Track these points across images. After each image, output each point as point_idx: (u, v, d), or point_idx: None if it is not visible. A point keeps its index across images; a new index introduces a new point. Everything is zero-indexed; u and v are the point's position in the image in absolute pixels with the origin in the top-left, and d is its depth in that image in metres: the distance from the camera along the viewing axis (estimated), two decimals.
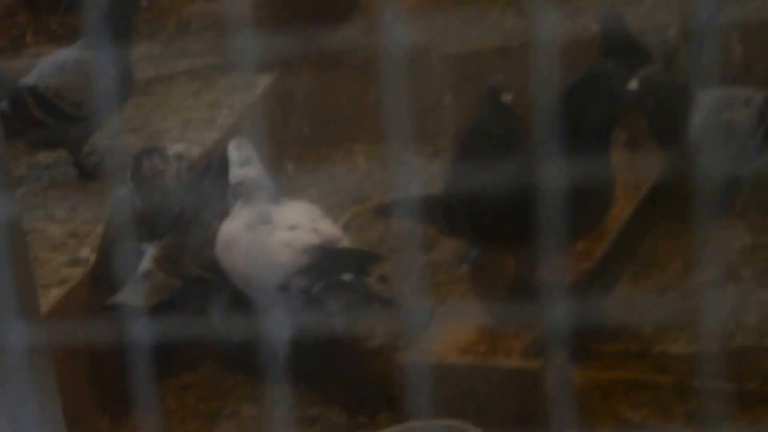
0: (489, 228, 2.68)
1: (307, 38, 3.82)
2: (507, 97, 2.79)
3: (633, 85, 2.74)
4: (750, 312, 2.76)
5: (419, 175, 3.65)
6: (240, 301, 2.66)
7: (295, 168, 3.74)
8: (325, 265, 2.55)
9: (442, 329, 2.71)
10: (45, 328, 1.59)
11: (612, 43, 3.19)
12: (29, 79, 3.23)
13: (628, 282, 2.93)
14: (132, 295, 2.63)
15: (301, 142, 3.79)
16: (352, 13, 3.88)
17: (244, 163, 2.68)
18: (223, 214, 2.70)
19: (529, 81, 2.52)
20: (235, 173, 2.68)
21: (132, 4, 3.28)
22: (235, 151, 2.70)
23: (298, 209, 2.66)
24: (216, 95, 3.65)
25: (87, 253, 2.84)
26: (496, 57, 3.66)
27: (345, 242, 2.67)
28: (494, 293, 2.78)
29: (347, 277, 2.59)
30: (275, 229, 2.58)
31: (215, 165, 2.86)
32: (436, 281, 3.04)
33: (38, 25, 4.23)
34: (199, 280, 2.70)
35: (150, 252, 2.71)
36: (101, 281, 2.76)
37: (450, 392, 2.57)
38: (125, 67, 3.20)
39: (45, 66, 3.27)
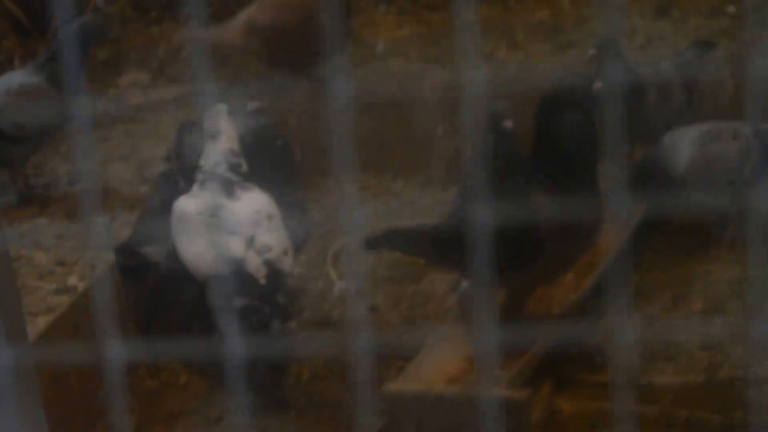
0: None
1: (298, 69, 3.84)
2: (508, 124, 2.81)
3: (597, 85, 2.77)
4: (736, 344, 2.77)
5: (409, 205, 3.65)
6: None
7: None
8: (234, 283, 2.53)
9: (430, 358, 2.71)
10: (32, 352, 1.59)
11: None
12: None
13: (617, 313, 2.93)
14: None
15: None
16: (342, 44, 3.90)
17: (214, 135, 2.61)
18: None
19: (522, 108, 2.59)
20: (204, 149, 2.63)
21: (97, 34, 3.35)
22: (208, 120, 2.63)
23: (246, 209, 2.60)
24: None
25: (75, 281, 2.83)
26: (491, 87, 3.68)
27: (277, 258, 2.62)
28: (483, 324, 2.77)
29: (243, 301, 2.55)
30: (216, 227, 2.56)
31: None
32: (425, 312, 3.05)
33: (25, 49, 4.24)
34: None
35: None
36: None
37: (437, 421, 2.57)
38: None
39: None
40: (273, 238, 2.60)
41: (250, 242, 2.57)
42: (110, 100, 3.98)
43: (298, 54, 3.54)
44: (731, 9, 4.09)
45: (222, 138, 2.61)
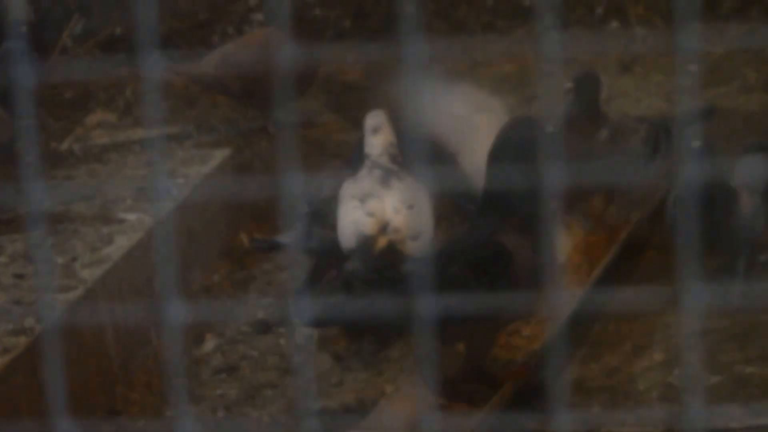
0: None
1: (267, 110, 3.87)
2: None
3: (549, 128, 2.91)
4: (696, 396, 2.80)
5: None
6: None
7: (249, 239, 3.74)
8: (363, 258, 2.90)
9: (391, 407, 2.71)
10: None
11: (578, 106, 3.30)
12: None
13: (578, 364, 2.96)
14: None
15: (258, 215, 3.81)
16: (311, 87, 3.94)
17: (375, 130, 3.05)
18: None
19: None
20: (367, 141, 3.06)
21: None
22: (369, 120, 3.06)
23: (393, 198, 2.98)
24: (172, 165, 3.66)
25: (32, 323, 2.80)
26: None
27: (401, 240, 2.96)
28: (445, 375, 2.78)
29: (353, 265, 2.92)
30: (359, 207, 2.97)
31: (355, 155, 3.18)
32: (388, 356, 3.05)
33: None
34: None
35: None
36: None
37: None
38: None
39: None
40: (406, 223, 2.96)
41: (384, 228, 2.96)
42: (76, 140, 3.98)
43: (268, 93, 3.67)
44: (692, 67, 4.18)
45: (383, 132, 3.05)
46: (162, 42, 4.56)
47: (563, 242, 3.35)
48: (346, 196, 3.03)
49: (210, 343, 3.14)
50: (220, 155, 3.76)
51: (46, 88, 4.27)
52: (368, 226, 2.95)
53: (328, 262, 3.11)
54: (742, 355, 2.92)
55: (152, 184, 3.48)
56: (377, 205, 2.98)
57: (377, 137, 3.06)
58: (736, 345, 2.95)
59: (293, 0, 4.08)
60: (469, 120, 3.43)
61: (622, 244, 3.35)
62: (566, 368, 2.93)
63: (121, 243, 3.11)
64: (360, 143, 3.14)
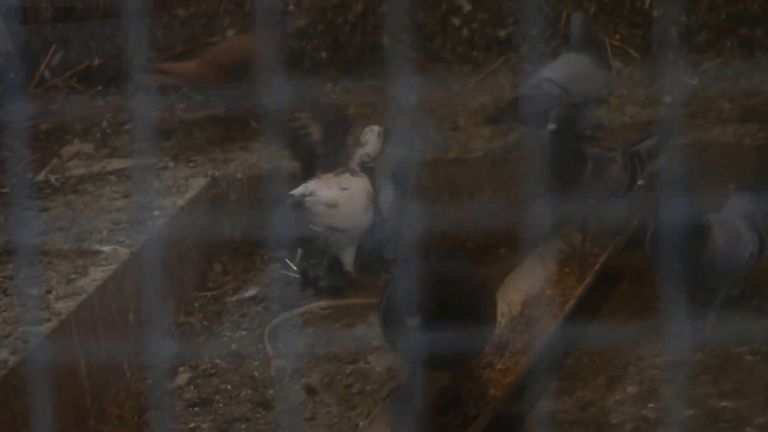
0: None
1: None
2: None
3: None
4: (669, 429, 2.81)
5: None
6: None
7: (223, 271, 3.75)
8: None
9: None
10: None
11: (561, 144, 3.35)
12: None
13: (552, 397, 2.96)
14: None
15: (232, 247, 3.81)
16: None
17: (364, 143, 3.66)
18: None
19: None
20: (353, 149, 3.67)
21: None
22: (364, 134, 3.67)
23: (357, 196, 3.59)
24: (147, 197, 3.66)
25: (6, 355, 2.78)
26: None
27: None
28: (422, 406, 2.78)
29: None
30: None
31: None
32: (363, 390, 3.05)
33: None
34: None
35: None
36: None
37: None
38: None
39: None
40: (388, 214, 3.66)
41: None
42: (52, 171, 3.97)
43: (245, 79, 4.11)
44: (667, 98, 4.23)
45: (368, 144, 3.65)
46: (142, 72, 4.60)
47: (537, 274, 3.37)
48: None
49: (183, 376, 3.13)
50: (196, 185, 3.77)
51: (23, 119, 4.28)
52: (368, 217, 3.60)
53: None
54: (717, 388, 2.92)
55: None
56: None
57: (359, 148, 3.64)
58: (710, 378, 2.95)
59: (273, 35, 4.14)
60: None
61: (596, 276, 3.37)
62: (540, 401, 2.93)
63: (96, 275, 3.10)
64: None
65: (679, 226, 2.99)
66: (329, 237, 3.52)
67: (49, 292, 3.02)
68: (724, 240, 3.10)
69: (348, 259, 3.58)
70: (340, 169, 3.61)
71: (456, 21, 4.71)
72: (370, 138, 3.66)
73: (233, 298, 3.58)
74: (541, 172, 3.33)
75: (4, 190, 3.74)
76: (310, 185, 3.54)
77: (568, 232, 3.50)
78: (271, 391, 3.04)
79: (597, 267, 3.38)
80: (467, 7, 4.70)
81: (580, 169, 3.34)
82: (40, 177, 3.91)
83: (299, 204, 3.48)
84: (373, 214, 3.60)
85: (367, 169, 3.65)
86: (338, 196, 3.53)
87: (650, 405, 2.88)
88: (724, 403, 2.86)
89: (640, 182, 3.26)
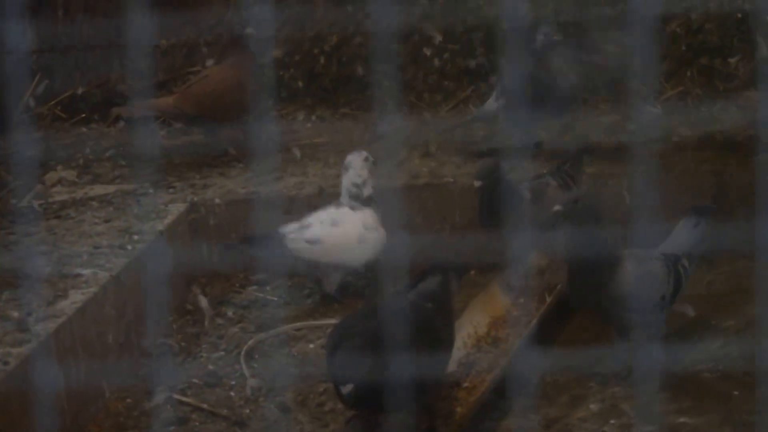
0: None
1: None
2: None
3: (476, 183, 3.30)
4: None
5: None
6: None
7: (201, 294, 3.79)
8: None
9: None
10: None
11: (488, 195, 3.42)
12: None
13: (517, 415, 3.01)
14: None
15: (210, 272, 3.86)
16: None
17: (346, 168, 3.60)
18: None
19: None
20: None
21: None
22: (348, 158, 3.59)
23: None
24: (128, 222, 3.71)
25: None
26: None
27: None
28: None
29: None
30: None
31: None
32: (336, 408, 3.09)
33: None
34: None
35: None
36: None
37: None
38: None
39: None
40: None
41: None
42: (35, 197, 4.02)
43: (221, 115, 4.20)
44: (632, 126, 4.31)
45: (349, 172, 3.57)
46: (122, 100, 4.68)
47: (503, 296, 3.43)
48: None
49: (160, 396, 3.17)
50: (175, 211, 3.82)
51: (8, 146, 4.33)
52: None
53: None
54: (676, 405, 2.97)
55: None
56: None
57: (345, 176, 3.58)
58: (669, 395, 3.00)
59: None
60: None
61: (558, 296, 3.42)
62: (506, 419, 2.98)
63: (76, 298, 3.13)
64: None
65: (588, 260, 2.93)
66: (312, 269, 3.56)
67: (29, 314, 3.03)
68: (634, 278, 3.01)
69: (329, 287, 3.61)
70: (338, 203, 3.54)
71: (428, 52, 4.79)
72: (354, 163, 3.52)
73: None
74: (480, 218, 3.41)
75: None
76: (309, 219, 3.51)
77: (534, 256, 3.55)
78: (247, 411, 3.08)
79: (559, 287, 3.44)
80: (438, 38, 4.79)
81: (516, 206, 3.36)
82: (24, 203, 3.96)
83: (281, 240, 3.46)
84: (371, 247, 3.50)
85: (365, 200, 3.54)
86: (323, 234, 3.49)
87: (612, 421, 2.93)
88: (683, 419, 2.92)
89: (556, 207, 3.19)
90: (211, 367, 3.31)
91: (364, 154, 3.55)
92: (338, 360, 2.63)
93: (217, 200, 3.94)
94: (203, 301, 3.67)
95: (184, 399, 3.15)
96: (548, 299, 3.40)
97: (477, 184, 3.38)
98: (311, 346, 3.43)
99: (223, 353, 3.40)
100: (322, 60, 4.82)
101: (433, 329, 2.77)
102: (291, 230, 3.51)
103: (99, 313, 3.17)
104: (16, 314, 3.03)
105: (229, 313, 3.66)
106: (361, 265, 3.55)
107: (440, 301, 2.87)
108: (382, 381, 2.56)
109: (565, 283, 3.42)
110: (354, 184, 3.52)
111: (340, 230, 3.50)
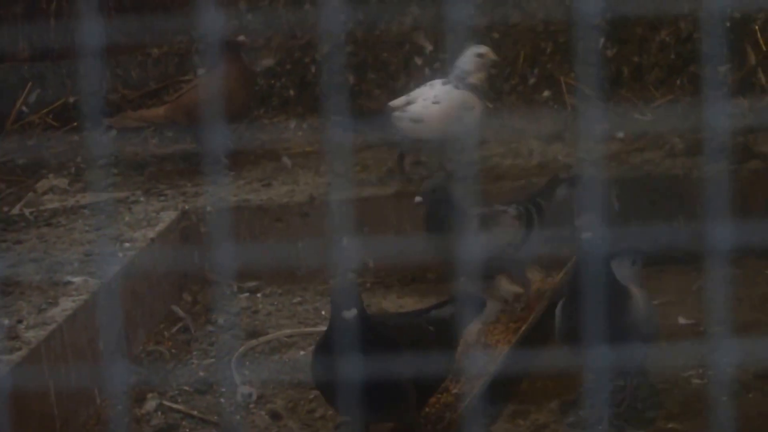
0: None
1: None
2: None
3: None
4: None
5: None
6: None
7: (193, 301, 3.81)
8: None
9: None
10: None
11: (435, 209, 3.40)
12: None
13: (506, 420, 3.02)
14: None
15: (202, 280, 3.87)
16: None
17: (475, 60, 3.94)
18: None
19: None
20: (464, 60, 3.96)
21: None
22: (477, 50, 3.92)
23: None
24: (119, 230, 3.72)
25: None
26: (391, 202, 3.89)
27: None
28: None
29: None
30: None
31: None
32: (326, 414, 3.10)
33: None
34: None
35: None
36: None
37: None
38: None
39: None
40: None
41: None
42: (27, 204, 4.03)
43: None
44: (620, 134, 4.34)
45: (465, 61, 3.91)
46: (114, 109, 4.70)
47: (492, 305, 3.44)
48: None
49: (151, 403, 3.18)
50: (167, 218, 3.83)
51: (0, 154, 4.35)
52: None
53: None
54: (665, 411, 2.98)
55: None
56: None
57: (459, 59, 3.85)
58: (658, 400, 3.01)
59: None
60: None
61: (548, 302, 3.42)
62: (495, 425, 3.00)
63: (66, 305, 3.14)
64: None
65: (600, 290, 2.78)
66: (411, 144, 3.85)
67: (20, 321, 3.05)
68: (644, 303, 2.95)
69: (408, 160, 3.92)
70: (445, 80, 3.85)
71: (419, 61, 4.82)
72: (468, 53, 3.82)
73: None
74: (425, 233, 3.39)
75: None
76: (413, 94, 3.84)
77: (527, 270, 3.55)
78: (238, 417, 3.08)
79: (548, 294, 3.46)
80: (429, 48, 4.81)
81: (458, 229, 3.32)
82: (15, 210, 3.97)
83: (389, 115, 3.79)
84: (469, 124, 3.78)
85: (468, 85, 3.81)
86: (425, 112, 3.79)
87: (600, 427, 2.96)
88: (671, 425, 2.93)
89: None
90: (201, 373, 3.32)
91: (481, 50, 3.85)
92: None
93: (208, 208, 3.96)
94: (179, 311, 3.68)
95: (174, 406, 3.16)
96: (540, 304, 3.42)
97: (417, 200, 3.37)
98: (302, 353, 3.44)
99: (213, 360, 3.41)
100: (313, 69, 4.84)
101: (425, 347, 2.79)
102: (398, 105, 3.83)
103: (90, 321, 3.18)
104: (6, 322, 3.03)
105: (220, 320, 3.67)
106: (459, 141, 3.82)
107: (444, 327, 2.93)
108: (371, 387, 2.57)
109: (551, 289, 3.45)
110: (463, 70, 3.83)
111: (439, 107, 3.79)
